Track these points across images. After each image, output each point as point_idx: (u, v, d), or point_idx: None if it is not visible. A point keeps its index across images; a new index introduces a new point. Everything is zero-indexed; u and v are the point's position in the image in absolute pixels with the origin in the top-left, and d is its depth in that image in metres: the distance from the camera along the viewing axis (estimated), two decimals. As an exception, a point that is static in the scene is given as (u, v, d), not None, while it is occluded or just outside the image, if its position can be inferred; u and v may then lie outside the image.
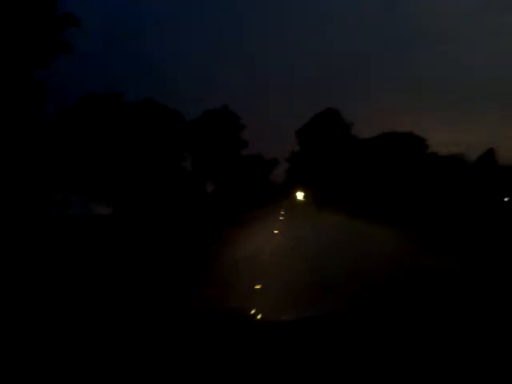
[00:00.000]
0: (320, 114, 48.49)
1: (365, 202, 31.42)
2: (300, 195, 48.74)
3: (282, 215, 28.63)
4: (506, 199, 35.37)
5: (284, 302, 5.69)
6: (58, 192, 25.82)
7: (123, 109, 35.15)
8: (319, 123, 47.79)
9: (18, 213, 20.96)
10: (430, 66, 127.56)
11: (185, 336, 1.85)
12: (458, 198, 30.86)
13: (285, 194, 53.88)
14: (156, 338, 1.83)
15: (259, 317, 2.29)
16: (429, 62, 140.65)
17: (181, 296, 6.25)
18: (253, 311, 2.36)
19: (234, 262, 9.20)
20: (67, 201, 26.07)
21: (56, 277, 7.64)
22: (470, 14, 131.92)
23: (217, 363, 1.61)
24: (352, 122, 48.02)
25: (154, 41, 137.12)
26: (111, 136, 32.93)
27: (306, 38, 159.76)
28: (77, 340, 1.78)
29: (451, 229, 16.72)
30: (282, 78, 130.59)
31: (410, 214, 23.44)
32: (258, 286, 7.16)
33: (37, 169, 23.04)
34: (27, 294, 6.32)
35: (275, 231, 17.62)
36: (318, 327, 1.93)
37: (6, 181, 20.24)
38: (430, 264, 8.88)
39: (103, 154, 31.91)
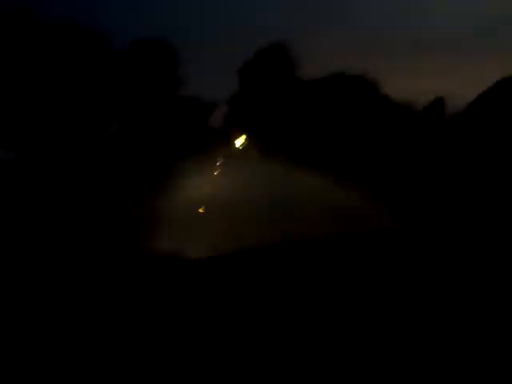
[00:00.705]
0: (266, 49, 43.57)
1: (310, 151, 28.38)
2: (239, 143, 44.59)
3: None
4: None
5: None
6: None
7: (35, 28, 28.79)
8: (264, 59, 43.04)
9: None
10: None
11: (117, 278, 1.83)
12: (406, 146, 29.27)
13: (224, 141, 49.51)
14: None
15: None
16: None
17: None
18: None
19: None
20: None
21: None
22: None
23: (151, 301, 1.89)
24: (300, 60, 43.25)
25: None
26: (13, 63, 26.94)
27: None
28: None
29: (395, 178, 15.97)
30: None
31: (357, 163, 20.84)
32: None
33: None
34: None
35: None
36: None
37: None
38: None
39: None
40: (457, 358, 1.98)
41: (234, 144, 45.20)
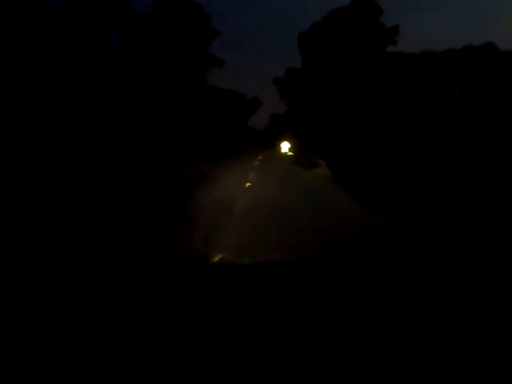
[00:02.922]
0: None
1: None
2: (286, 147, 38.64)
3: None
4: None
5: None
6: None
7: None
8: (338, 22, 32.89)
9: None
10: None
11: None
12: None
13: (267, 143, 43.78)
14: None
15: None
16: None
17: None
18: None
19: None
20: None
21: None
22: None
23: (174, 308, 1.71)
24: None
25: None
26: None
27: None
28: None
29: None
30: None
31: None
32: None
33: None
34: None
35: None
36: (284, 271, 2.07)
37: None
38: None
39: None
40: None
41: (280, 148, 39.71)
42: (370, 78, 27.68)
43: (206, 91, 30.57)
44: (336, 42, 32.07)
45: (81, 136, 19.63)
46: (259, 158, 32.26)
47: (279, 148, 39.22)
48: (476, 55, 25.77)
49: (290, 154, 37.16)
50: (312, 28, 34.66)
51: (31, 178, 14.11)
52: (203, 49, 30.18)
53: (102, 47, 23.62)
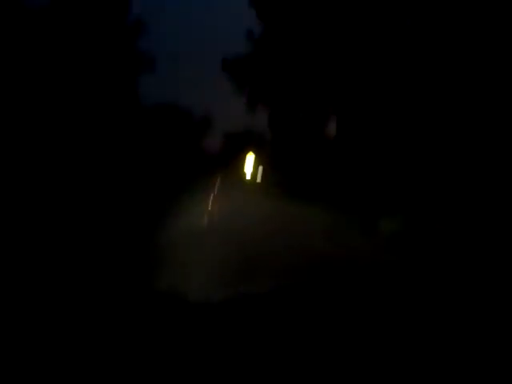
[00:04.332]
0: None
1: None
2: (249, 172, 27.68)
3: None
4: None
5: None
6: None
7: None
8: None
9: None
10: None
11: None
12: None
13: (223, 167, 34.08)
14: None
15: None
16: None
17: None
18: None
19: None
20: None
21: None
22: None
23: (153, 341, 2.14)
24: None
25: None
26: None
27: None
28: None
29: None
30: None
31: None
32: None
33: None
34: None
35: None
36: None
37: None
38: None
39: None
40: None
41: (243, 173, 30.41)
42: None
43: (136, 106, 22.72)
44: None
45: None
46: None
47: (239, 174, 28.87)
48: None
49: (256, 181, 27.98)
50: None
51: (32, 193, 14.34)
52: (128, 46, 22.64)
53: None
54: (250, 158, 28.38)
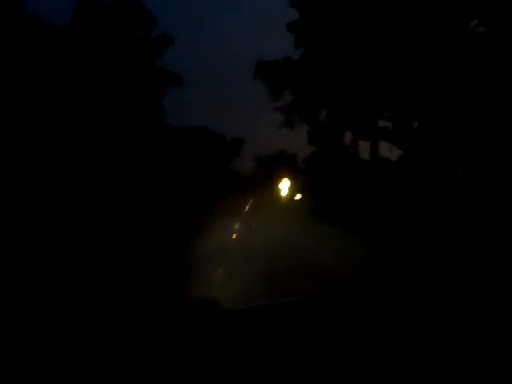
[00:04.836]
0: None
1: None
2: (284, 190, 26.63)
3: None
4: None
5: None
6: None
7: None
8: None
9: None
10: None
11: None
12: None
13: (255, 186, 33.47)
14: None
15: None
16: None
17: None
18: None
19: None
20: None
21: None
22: None
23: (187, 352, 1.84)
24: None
25: None
26: None
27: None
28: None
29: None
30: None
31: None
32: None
33: None
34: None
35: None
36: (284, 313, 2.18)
37: None
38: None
39: None
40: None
41: (276, 194, 29.89)
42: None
43: (161, 128, 22.65)
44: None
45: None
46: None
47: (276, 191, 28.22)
48: None
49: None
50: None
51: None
52: (151, 62, 22.68)
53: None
54: (285, 182, 28.01)
